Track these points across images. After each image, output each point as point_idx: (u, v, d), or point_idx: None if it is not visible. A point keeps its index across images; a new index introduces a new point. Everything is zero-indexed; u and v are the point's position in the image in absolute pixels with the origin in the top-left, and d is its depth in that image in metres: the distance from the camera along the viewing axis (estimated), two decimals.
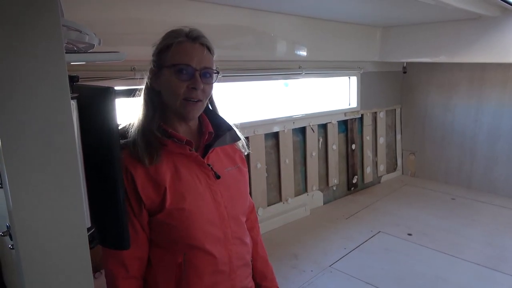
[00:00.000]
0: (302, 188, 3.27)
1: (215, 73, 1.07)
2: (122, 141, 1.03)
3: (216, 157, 1.14)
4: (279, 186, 3.05)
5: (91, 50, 1.11)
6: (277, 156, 3.00)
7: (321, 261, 2.46)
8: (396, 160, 4.30)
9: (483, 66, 3.56)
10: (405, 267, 2.40)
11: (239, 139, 1.19)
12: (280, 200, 3.06)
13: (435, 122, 4.04)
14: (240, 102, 2.78)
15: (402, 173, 4.35)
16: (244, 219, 1.20)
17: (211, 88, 1.08)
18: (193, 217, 1.03)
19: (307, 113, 3.18)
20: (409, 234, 2.86)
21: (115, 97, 0.96)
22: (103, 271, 1.13)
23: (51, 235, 0.73)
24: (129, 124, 1.07)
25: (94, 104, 0.92)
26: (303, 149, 3.23)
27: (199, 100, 1.05)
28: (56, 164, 0.71)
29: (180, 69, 1.01)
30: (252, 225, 1.33)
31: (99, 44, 1.13)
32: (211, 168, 1.10)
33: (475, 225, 3.00)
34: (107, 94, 0.93)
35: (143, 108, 1.07)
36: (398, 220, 3.11)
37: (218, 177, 1.10)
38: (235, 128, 1.18)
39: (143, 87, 1.10)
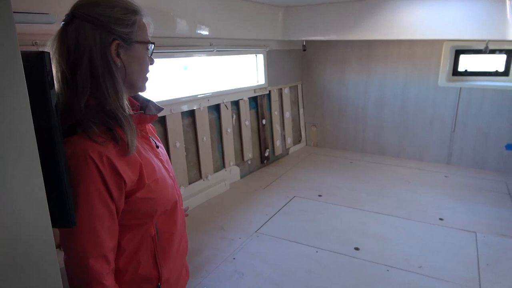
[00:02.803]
0: (220, 164, 3.36)
1: None
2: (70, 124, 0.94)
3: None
4: (199, 163, 3.08)
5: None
6: (194, 134, 3.01)
7: (247, 229, 2.60)
8: (301, 133, 4.66)
9: (369, 43, 4.05)
10: (321, 223, 2.68)
11: (162, 108, 1.20)
12: (201, 177, 3.10)
13: (332, 96, 4.47)
14: (154, 80, 2.69)
15: (306, 144, 4.74)
16: None
17: None
18: (163, 184, 1.06)
19: (220, 90, 3.24)
20: (320, 196, 3.18)
21: (50, 63, 0.90)
22: None
23: (13, 216, 0.68)
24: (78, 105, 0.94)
25: (27, 72, 0.84)
26: (218, 126, 3.29)
27: None
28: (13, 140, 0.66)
29: (152, 47, 1.05)
30: None
31: None
32: (152, 139, 1.13)
33: (371, 182, 3.48)
34: (42, 60, 0.86)
35: (108, 86, 0.95)
36: (308, 184, 3.41)
37: (157, 147, 1.15)
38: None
39: (94, 62, 0.95)
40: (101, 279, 0.94)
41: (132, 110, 1.12)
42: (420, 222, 2.69)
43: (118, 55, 0.97)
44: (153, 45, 1.05)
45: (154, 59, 1.10)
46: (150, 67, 1.10)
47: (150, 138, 1.13)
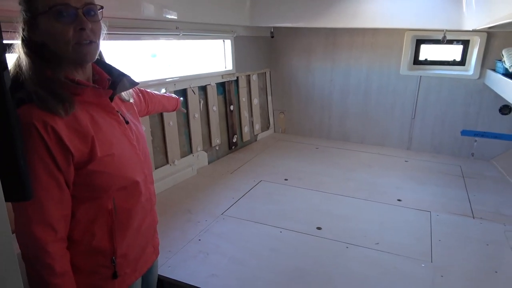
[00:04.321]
0: (188, 149, 3.35)
1: (99, 9, 1.01)
2: (20, 95, 0.94)
3: (117, 103, 1.16)
4: (165, 148, 3.06)
5: None
6: (161, 119, 2.99)
7: (213, 212, 2.63)
8: (269, 119, 4.71)
9: (335, 32, 4.13)
10: (285, 205, 2.76)
11: (137, 83, 1.20)
12: (167, 162, 3.09)
13: (299, 83, 4.54)
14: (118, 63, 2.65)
15: (274, 131, 4.81)
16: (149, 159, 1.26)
17: (99, 26, 1.02)
18: (122, 160, 1.06)
19: (187, 75, 3.22)
20: (286, 180, 3.25)
21: (2, 37, 0.88)
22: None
23: None
24: (18, 74, 0.97)
25: None
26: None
27: (92, 41, 0.99)
28: None
29: (59, 11, 0.93)
30: (151, 96, 1.62)
31: None
32: (120, 114, 1.13)
33: (335, 166, 3.59)
34: None
35: (29, 64, 0.96)
36: (275, 169, 3.48)
37: (127, 122, 1.14)
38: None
39: (18, 42, 0.99)
40: (45, 246, 0.95)
41: (100, 85, 1.10)
42: (379, 203, 2.82)
43: (33, 32, 0.97)
44: (54, 9, 0.92)
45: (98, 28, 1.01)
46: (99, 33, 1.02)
47: (118, 114, 1.12)
